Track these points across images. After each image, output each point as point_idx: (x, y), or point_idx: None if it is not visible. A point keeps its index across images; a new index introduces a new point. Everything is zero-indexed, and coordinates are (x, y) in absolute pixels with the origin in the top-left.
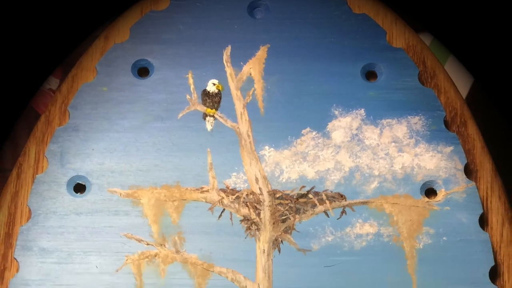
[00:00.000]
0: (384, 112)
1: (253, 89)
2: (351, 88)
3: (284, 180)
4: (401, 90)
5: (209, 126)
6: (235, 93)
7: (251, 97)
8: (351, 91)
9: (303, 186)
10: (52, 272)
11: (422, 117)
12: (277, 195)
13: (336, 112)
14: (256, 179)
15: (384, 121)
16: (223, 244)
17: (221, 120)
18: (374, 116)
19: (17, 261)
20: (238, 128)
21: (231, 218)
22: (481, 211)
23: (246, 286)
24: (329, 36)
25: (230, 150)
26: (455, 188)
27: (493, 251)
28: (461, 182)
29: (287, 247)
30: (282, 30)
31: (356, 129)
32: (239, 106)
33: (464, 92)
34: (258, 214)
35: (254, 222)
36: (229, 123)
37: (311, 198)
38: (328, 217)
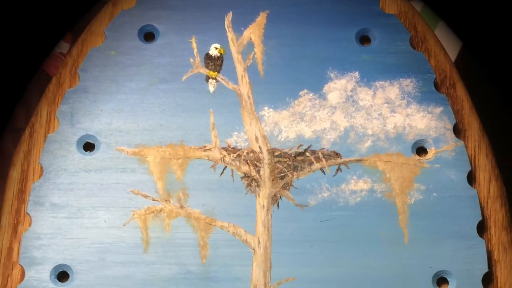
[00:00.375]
0: (377, 74)
1: (253, 53)
2: (346, 52)
3: (282, 139)
4: (393, 54)
5: (211, 88)
6: (236, 56)
7: (251, 61)
8: (346, 55)
9: (301, 145)
10: (63, 226)
11: (413, 79)
12: (276, 153)
13: (332, 75)
14: (256, 138)
15: (377, 83)
16: (224, 199)
17: (223, 82)
18: (368, 78)
19: (29, 215)
20: (239, 90)
21: (232, 175)
22: (469, 169)
23: (246, 240)
24: (325, 3)
25: (231, 110)
26: (445, 146)
27: (481, 206)
28: (450, 141)
29: (286, 202)
30: None
31: (351, 90)
32: (240, 69)
33: (453, 56)
34: (258, 171)
35: (254, 179)
36: (230, 85)
37: (308, 156)
38: (324, 174)
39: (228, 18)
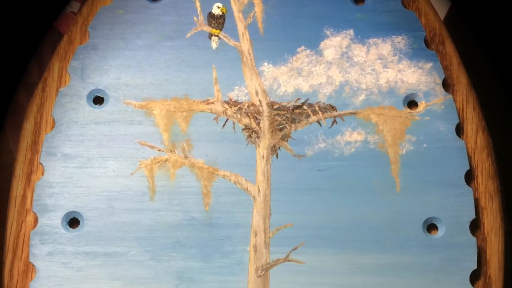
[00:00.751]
0: (371, 32)
1: (253, 11)
2: (342, 11)
3: (281, 93)
4: (386, 12)
5: (214, 45)
6: (237, 15)
7: (251, 19)
8: (342, 13)
9: (298, 98)
10: (74, 175)
11: (404, 36)
12: (275, 107)
13: (328, 32)
14: (256, 92)
15: (371, 41)
16: (226, 150)
17: (225, 39)
18: (362, 36)
19: (42, 165)
20: (240, 46)
21: (234, 127)
22: (457, 121)
23: (247, 188)
24: None
25: (233, 66)
26: (434, 100)
27: (468, 156)
28: (440, 94)
29: (284, 153)
30: None
31: (346, 47)
32: (241, 27)
33: (442, 15)
34: (258, 124)
35: (254, 131)
36: (232, 42)
37: (306, 109)
38: (321, 126)
39: None
